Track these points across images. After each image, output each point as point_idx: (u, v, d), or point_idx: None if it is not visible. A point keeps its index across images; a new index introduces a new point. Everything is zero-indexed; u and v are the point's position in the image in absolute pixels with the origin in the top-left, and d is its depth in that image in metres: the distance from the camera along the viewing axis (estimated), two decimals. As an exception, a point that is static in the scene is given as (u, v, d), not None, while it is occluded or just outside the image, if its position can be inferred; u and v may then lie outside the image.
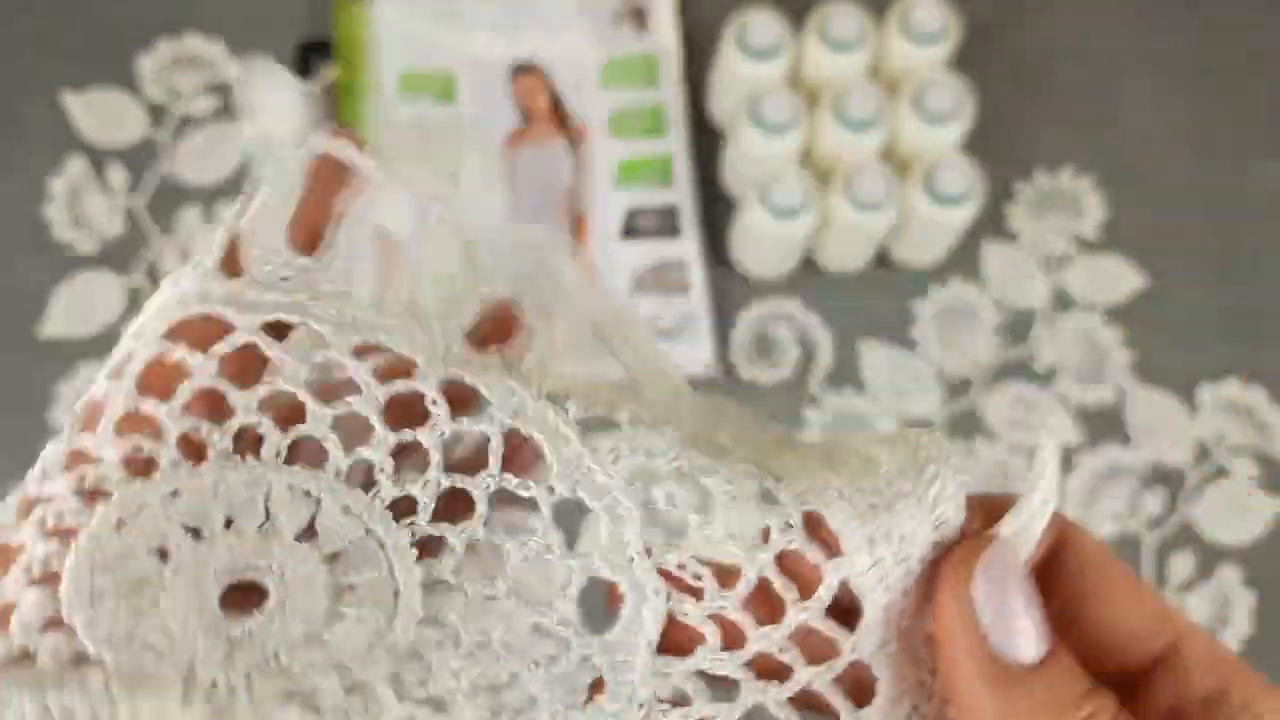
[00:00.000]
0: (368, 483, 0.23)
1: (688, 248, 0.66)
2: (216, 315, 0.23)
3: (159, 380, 0.22)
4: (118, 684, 0.20)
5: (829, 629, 0.21)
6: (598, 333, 0.24)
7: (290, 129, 0.23)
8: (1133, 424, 0.66)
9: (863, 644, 0.21)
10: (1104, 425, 0.66)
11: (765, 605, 0.22)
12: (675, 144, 0.68)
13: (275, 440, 0.22)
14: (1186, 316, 0.68)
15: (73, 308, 0.65)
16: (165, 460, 0.22)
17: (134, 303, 0.65)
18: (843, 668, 0.21)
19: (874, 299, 0.67)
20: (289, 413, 0.23)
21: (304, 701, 0.21)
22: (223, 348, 0.23)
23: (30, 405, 0.63)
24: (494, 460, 0.23)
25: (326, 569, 0.22)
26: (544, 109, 0.69)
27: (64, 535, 0.21)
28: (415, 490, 0.22)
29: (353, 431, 0.23)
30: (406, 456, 0.23)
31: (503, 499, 0.23)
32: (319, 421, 0.23)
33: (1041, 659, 0.20)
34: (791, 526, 0.21)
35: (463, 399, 0.23)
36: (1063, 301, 0.68)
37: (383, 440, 0.23)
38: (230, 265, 0.24)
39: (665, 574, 0.22)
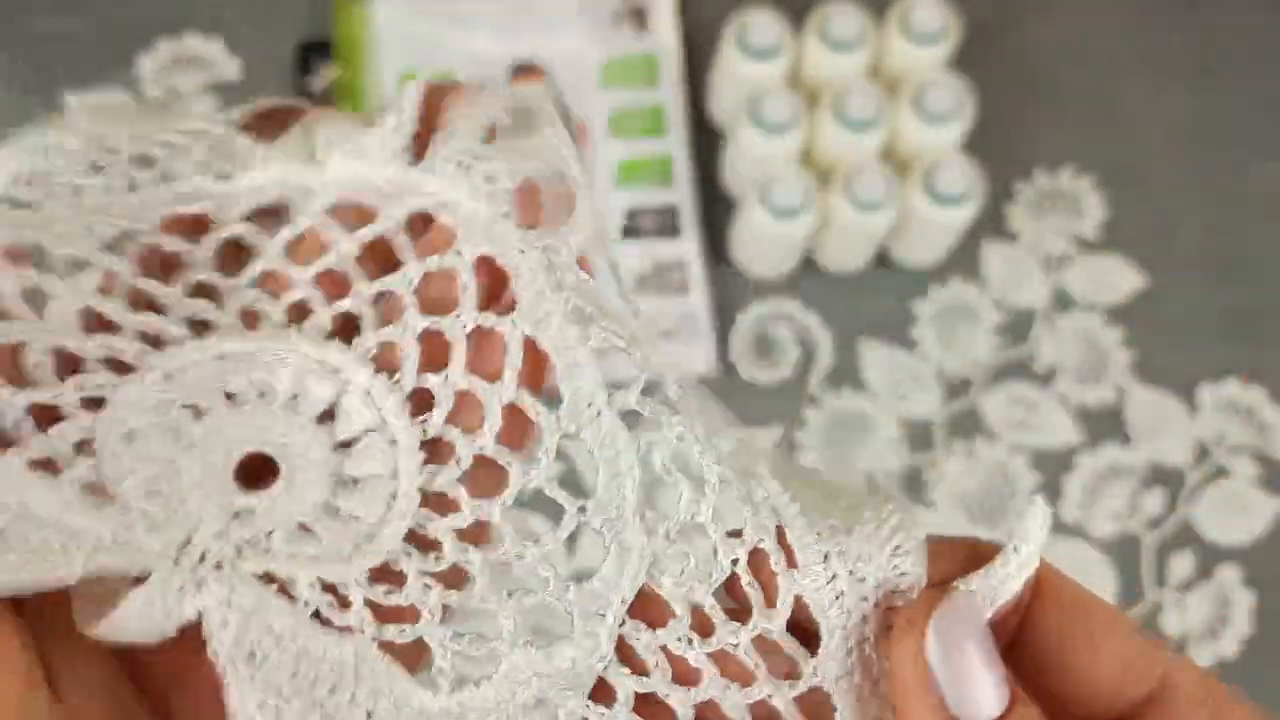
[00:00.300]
0: (388, 368, 0.22)
1: (688, 248, 0.66)
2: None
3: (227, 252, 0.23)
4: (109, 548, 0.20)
5: (790, 646, 0.21)
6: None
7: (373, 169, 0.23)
8: (1133, 424, 0.66)
9: (824, 668, 0.21)
10: (1104, 425, 0.66)
11: (733, 608, 0.22)
12: (675, 144, 0.68)
13: (321, 315, 0.22)
14: (1186, 316, 0.68)
15: (73, 308, 0.65)
16: (224, 322, 0.22)
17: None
18: (804, 689, 0.21)
19: (874, 299, 0.67)
20: (333, 285, 0.23)
21: (279, 588, 0.21)
22: (288, 232, 0.23)
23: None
24: (510, 373, 0.22)
25: (335, 457, 0.22)
26: (544, 109, 0.68)
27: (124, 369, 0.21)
28: (435, 385, 0.22)
29: (385, 310, 0.22)
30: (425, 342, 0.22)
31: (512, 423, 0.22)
32: (359, 298, 0.22)
33: (1000, 715, 0.19)
34: (765, 528, 0.21)
35: (494, 287, 0.22)
36: (1063, 301, 0.68)
37: (411, 326, 0.22)
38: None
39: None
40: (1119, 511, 0.65)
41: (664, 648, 0.22)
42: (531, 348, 0.22)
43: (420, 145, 0.22)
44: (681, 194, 0.67)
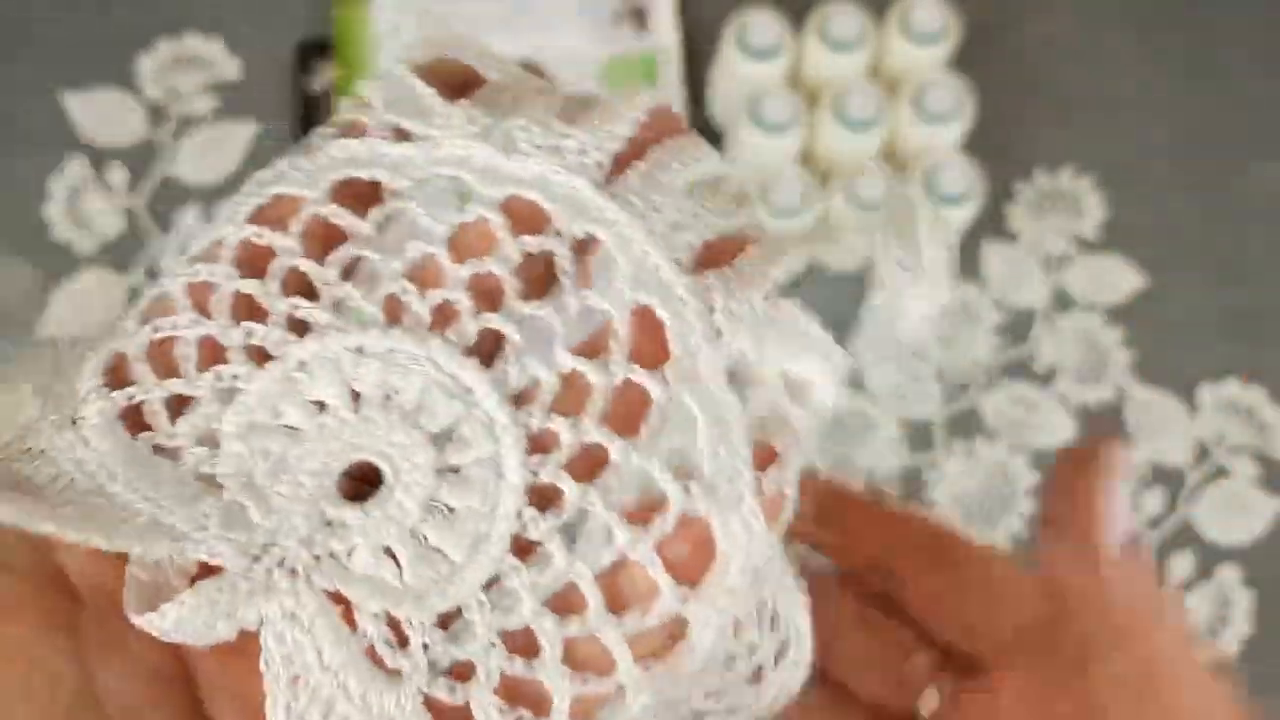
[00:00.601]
0: (522, 402, 0.20)
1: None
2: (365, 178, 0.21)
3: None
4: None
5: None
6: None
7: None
8: (1133, 424, 0.66)
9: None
10: (1104, 425, 0.66)
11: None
12: (675, 144, 0.68)
13: (468, 325, 0.20)
14: (1186, 316, 0.68)
15: (73, 308, 0.65)
16: (368, 311, 0.20)
17: (134, 303, 0.65)
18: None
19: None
20: (485, 294, 0.20)
21: (344, 611, 0.19)
22: (455, 216, 0.21)
23: (30, 405, 0.63)
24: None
25: (438, 482, 0.20)
26: (544, 109, 0.69)
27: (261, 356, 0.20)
28: (563, 430, 0.20)
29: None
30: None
31: None
32: (510, 318, 0.20)
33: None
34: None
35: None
36: (1063, 301, 0.68)
37: (557, 364, 0.20)
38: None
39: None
40: (1119, 511, 0.65)
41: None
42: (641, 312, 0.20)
43: (618, 166, 0.21)
44: (681, 194, 0.67)
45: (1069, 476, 0.27)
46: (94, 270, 0.66)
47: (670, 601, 0.19)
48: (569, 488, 0.19)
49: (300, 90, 0.68)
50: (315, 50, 0.69)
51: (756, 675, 0.23)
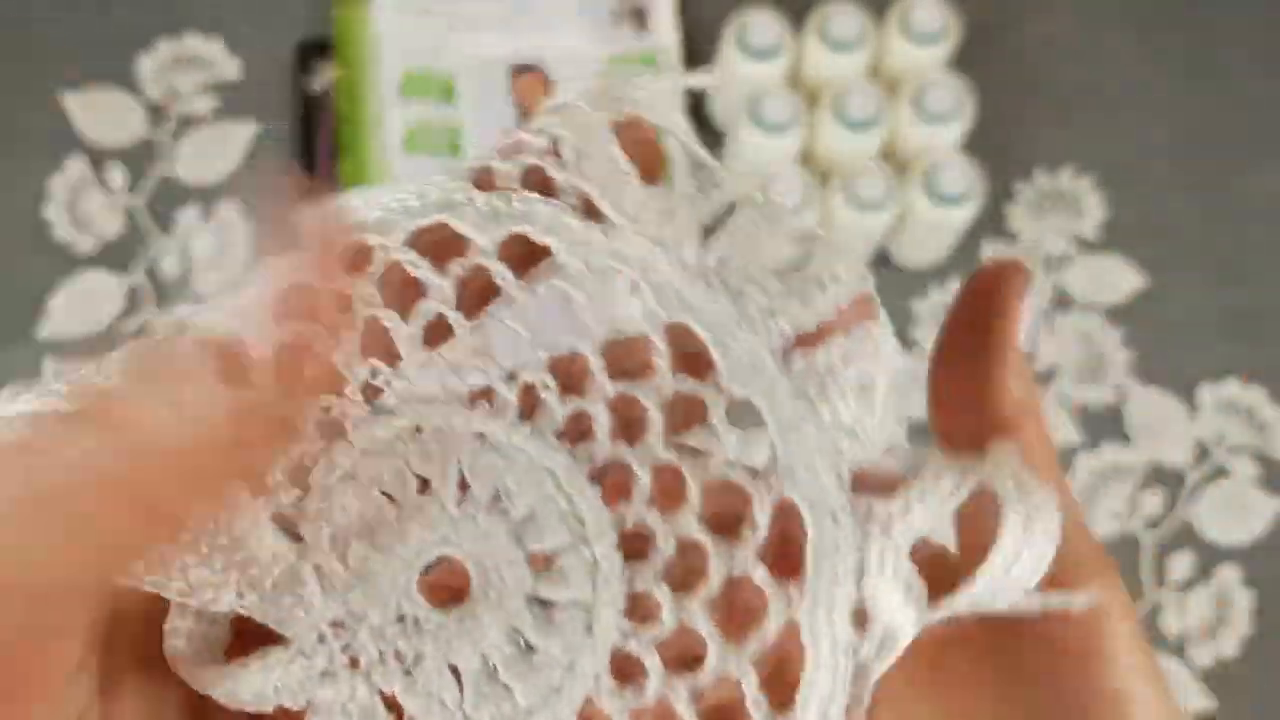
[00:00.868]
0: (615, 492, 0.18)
1: (688, 248, 0.66)
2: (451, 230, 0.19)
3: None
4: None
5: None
6: None
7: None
8: (1133, 424, 0.66)
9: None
10: (1104, 425, 0.66)
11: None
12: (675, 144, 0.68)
13: (555, 407, 0.18)
14: (1186, 316, 0.68)
15: (73, 308, 0.65)
16: (469, 386, 0.18)
17: (134, 303, 0.65)
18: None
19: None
20: (569, 374, 0.19)
21: (397, 718, 0.18)
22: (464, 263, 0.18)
23: (30, 405, 0.63)
24: (751, 537, 0.17)
25: (531, 579, 0.18)
26: (544, 109, 0.68)
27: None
28: (660, 532, 0.18)
29: (623, 418, 0.18)
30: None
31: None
32: (599, 398, 0.18)
33: None
34: None
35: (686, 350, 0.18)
36: (1063, 301, 0.68)
37: (651, 451, 0.18)
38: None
39: None
40: (1119, 511, 0.65)
41: None
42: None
43: (799, 340, 0.18)
44: (681, 194, 0.67)
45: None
46: (94, 270, 0.66)
47: None
48: (655, 672, 0.18)
49: (300, 90, 0.68)
50: (315, 50, 0.69)
51: None
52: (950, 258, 0.67)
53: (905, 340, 0.66)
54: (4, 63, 0.68)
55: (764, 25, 0.64)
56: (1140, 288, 0.68)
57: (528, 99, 0.69)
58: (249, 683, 0.18)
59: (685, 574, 0.18)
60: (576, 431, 0.18)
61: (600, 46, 0.69)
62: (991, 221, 0.68)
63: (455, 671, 0.18)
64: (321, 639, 0.18)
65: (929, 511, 0.17)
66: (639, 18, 0.70)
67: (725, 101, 0.67)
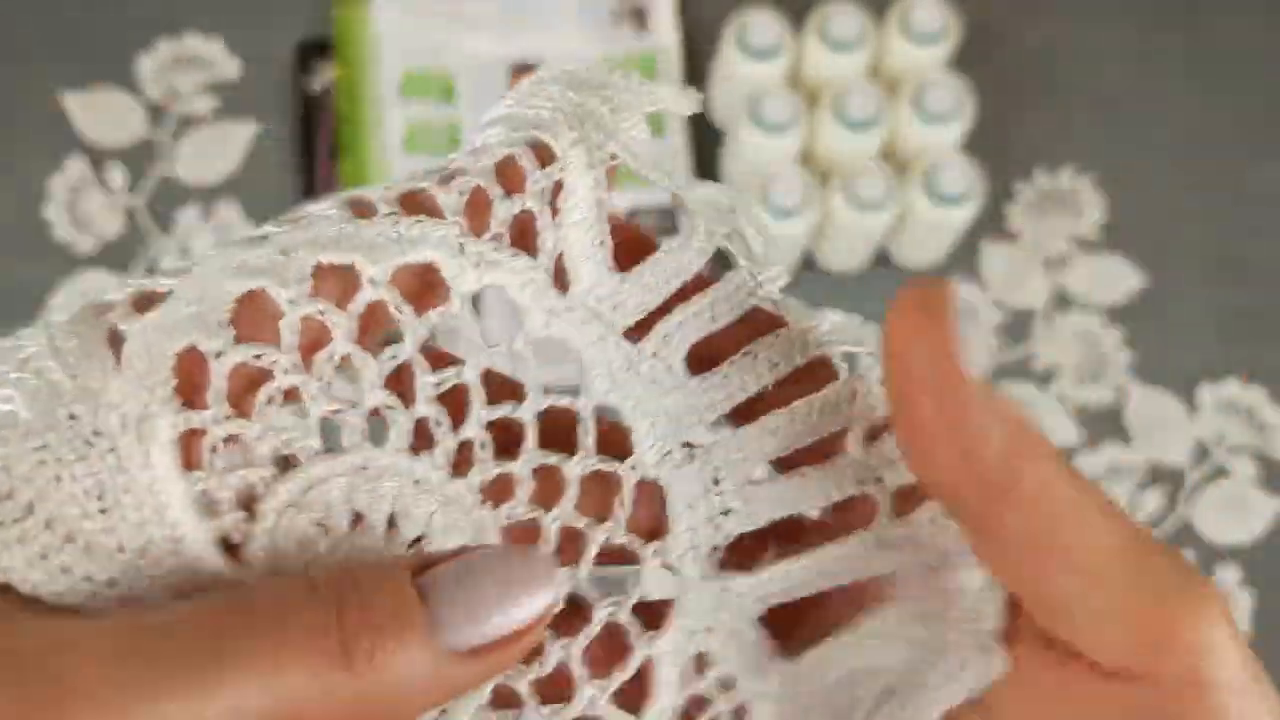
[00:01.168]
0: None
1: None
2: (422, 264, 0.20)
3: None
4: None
5: None
6: None
7: None
8: (1132, 424, 0.66)
9: None
10: (1104, 425, 0.66)
11: None
12: (675, 144, 0.68)
13: (446, 441, 0.20)
14: (1186, 316, 0.68)
15: (72, 308, 0.65)
16: (351, 423, 0.20)
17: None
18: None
19: (874, 299, 0.67)
20: (455, 404, 0.21)
21: None
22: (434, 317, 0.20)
23: (30, 405, 0.63)
24: (627, 501, 0.22)
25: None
26: (544, 109, 0.68)
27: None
28: (546, 522, 0.21)
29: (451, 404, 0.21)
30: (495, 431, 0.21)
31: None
32: (426, 399, 0.20)
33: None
34: None
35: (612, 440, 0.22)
36: (1063, 301, 0.68)
37: (530, 458, 0.21)
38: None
39: None
40: (1119, 511, 0.65)
41: None
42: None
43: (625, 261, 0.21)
44: (681, 194, 0.67)
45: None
46: (94, 270, 0.66)
47: None
48: (530, 702, 0.21)
49: (300, 90, 0.68)
50: (315, 50, 0.69)
51: None
52: (950, 258, 0.67)
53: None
54: (4, 63, 0.68)
55: (764, 25, 0.64)
56: (1140, 288, 0.68)
57: (528, 99, 0.69)
58: None
59: (564, 621, 0.21)
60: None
61: (600, 46, 0.69)
62: (991, 221, 0.68)
63: None
64: None
65: (788, 578, 0.22)
66: (639, 18, 0.70)
67: (725, 101, 0.67)
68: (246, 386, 0.19)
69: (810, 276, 0.67)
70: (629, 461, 0.21)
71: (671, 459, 0.21)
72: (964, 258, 0.68)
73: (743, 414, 0.22)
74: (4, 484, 0.18)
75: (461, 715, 0.20)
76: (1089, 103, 0.71)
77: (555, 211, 0.20)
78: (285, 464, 0.20)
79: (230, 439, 0.19)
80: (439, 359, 0.21)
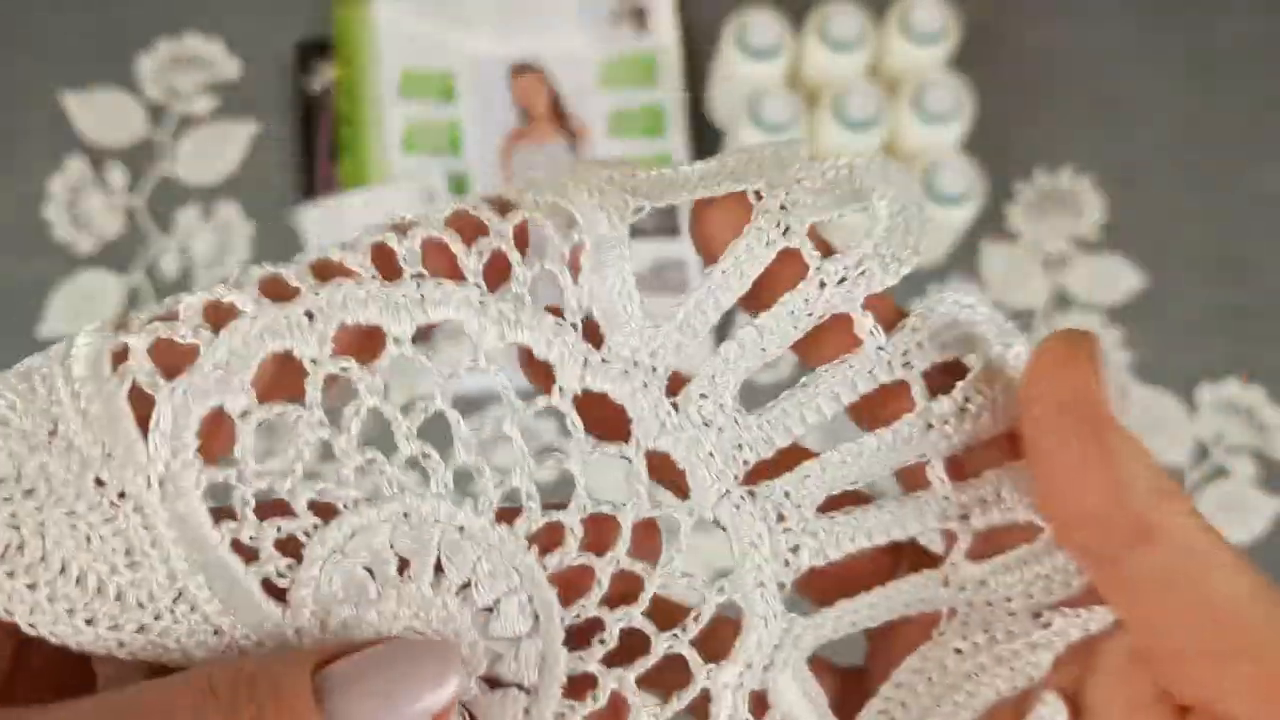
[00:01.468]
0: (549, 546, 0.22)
1: (687, 247, 0.66)
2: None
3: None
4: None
5: None
6: None
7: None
8: (1132, 424, 0.66)
9: None
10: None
11: None
12: (675, 144, 0.68)
13: (491, 491, 0.21)
14: (1186, 316, 0.68)
15: (72, 308, 0.65)
16: (392, 476, 0.21)
17: (133, 303, 0.65)
18: None
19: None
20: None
21: None
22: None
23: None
24: (685, 542, 0.22)
25: (489, 657, 0.21)
26: (543, 109, 0.69)
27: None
28: (590, 566, 0.22)
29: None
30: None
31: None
32: (465, 447, 0.21)
33: None
34: None
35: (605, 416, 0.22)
36: (1063, 301, 0.68)
37: (582, 504, 0.22)
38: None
39: None
40: (1119, 511, 0.65)
41: None
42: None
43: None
44: (681, 194, 0.67)
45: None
46: (94, 270, 0.66)
47: None
48: (607, 619, 0.22)
49: (300, 90, 0.68)
50: (315, 50, 0.69)
51: None
52: (950, 258, 0.67)
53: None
54: (4, 63, 0.68)
55: (764, 25, 0.64)
56: (1140, 288, 0.68)
57: (527, 99, 0.69)
58: None
59: (621, 654, 0.22)
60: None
61: (600, 46, 0.69)
62: (991, 221, 0.68)
63: None
64: None
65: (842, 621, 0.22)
66: (639, 18, 0.70)
67: (725, 101, 0.67)
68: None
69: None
70: (685, 505, 0.21)
71: (730, 499, 0.21)
72: (964, 258, 0.68)
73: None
74: (35, 547, 0.19)
75: None
76: (1089, 103, 0.71)
77: (577, 270, 0.21)
78: (328, 512, 0.20)
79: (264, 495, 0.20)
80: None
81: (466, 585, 0.21)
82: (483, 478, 0.21)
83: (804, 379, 0.22)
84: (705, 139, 0.68)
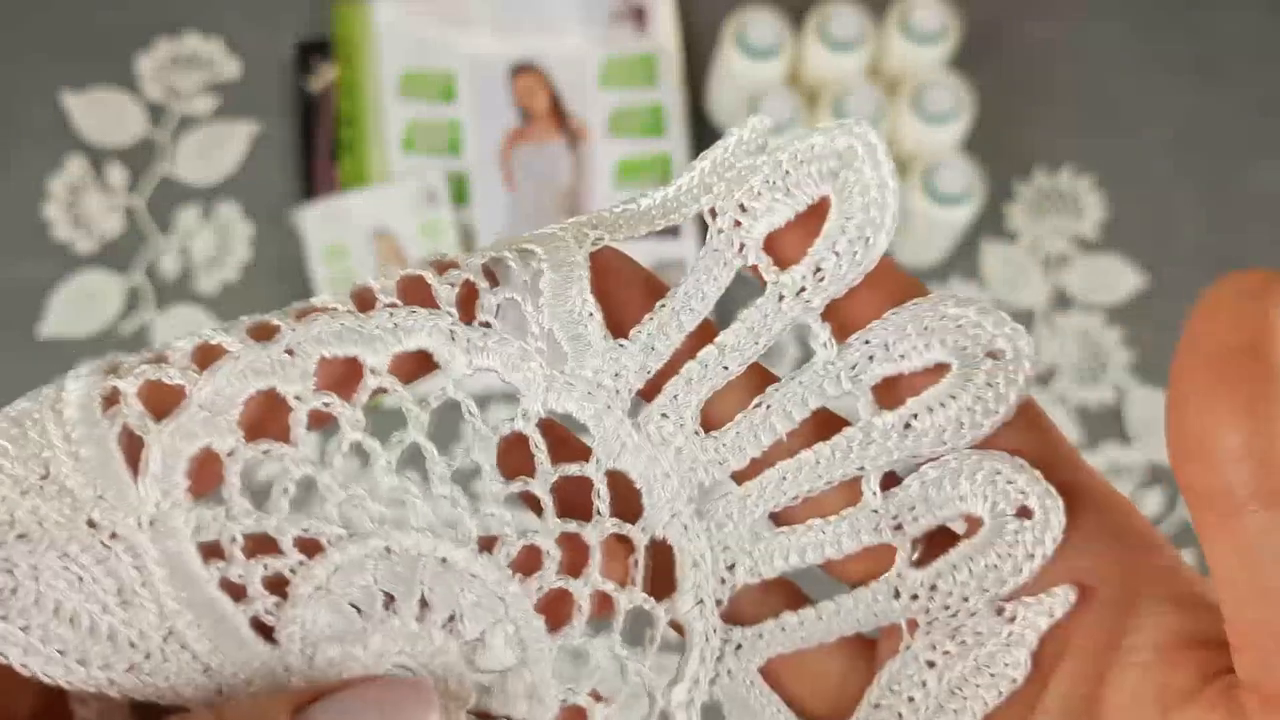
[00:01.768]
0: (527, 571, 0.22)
1: (687, 247, 0.66)
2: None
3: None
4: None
5: None
6: None
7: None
8: (1132, 424, 0.66)
9: None
10: (1104, 425, 0.66)
11: None
12: (675, 144, 0.68)
13: (469, 522, 0.22)
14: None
15: (72, 307, 0.65)
16: (373, 511, 0.21)
17: (133, 303, 0.65)
18: None
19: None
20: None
21: None
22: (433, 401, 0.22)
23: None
24: (639, 578, 0.22)
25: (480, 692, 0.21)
26: (543, 109, 0.69)
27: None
28: (575, 591, 0.22)
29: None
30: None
31: None
32: (441, 480, 0.22)
33: None
34: None
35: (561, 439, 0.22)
36: (1062, 301, 0.68)
37: (552, 527, 0.22)
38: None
39: None
40: (1119, 511, 0.65)
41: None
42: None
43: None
44: (681, 194, 0.67)
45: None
46: (94, 270, 0.66)
47: None
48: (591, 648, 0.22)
49: (300, 90, 0.68)
50: (315, 50, 0.69)
51: None
52: (950, 257, 0.67)
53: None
54: (4, 63, 0.68)
55: (764, 25, 0.64)
56: (1140, 288, 0.68)
57: (527, 99, 0.69)
58: None
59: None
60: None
61: (600, 46, 0.69)
62: (991, 221, 0.68)
63: None
64: None
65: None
66: (639, 18, 0.70)
67: (725, 101, 0.67)
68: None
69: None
70: (639, 524, 0.22)
71: (680, 518, 0.22)
72: (964, 257, 0.68)
73: (757, 463, 0.22)
74: (29, 590, 0.19)
75: None
76: (1089, 103, 0.71)
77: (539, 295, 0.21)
78: (314, 548, 0.21)
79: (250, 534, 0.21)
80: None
81: (453, 618, 0.21)
82: (458, 508, 0.21)
83: (757, 399, 0.22)
84: (705, 139, 0.68)
